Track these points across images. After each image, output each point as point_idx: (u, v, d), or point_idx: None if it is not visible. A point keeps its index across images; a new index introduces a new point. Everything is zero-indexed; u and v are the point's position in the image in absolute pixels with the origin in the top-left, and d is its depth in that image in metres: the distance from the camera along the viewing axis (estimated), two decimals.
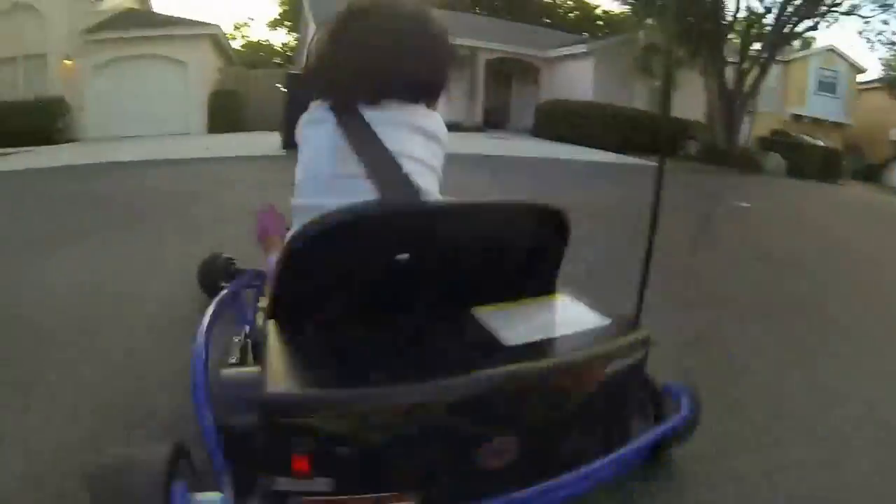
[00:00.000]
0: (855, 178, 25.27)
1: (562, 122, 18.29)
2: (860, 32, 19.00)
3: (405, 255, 1.26)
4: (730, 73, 17.34)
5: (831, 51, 30.92)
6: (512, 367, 1.13)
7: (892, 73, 29.78)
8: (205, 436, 1.18)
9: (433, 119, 1.50)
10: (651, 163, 13.79)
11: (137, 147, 12.50)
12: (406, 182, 1.28)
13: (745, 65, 17.29)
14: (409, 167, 1.32)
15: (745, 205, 8.54)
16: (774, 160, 17.30)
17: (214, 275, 2.84)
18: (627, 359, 1.26)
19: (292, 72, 12.20)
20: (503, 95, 25.13)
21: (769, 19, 17.60)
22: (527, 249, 1.41)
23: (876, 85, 31.34)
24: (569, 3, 47.15)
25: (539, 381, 1.16)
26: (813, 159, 18.62)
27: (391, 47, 1.41)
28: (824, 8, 17.47)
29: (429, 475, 1.12)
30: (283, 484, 1.04)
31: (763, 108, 29.54)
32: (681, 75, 18.65)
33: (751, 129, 17.48)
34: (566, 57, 22.31)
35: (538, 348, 1.22)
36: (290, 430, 1.02)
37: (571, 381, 1.21)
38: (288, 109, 12.94)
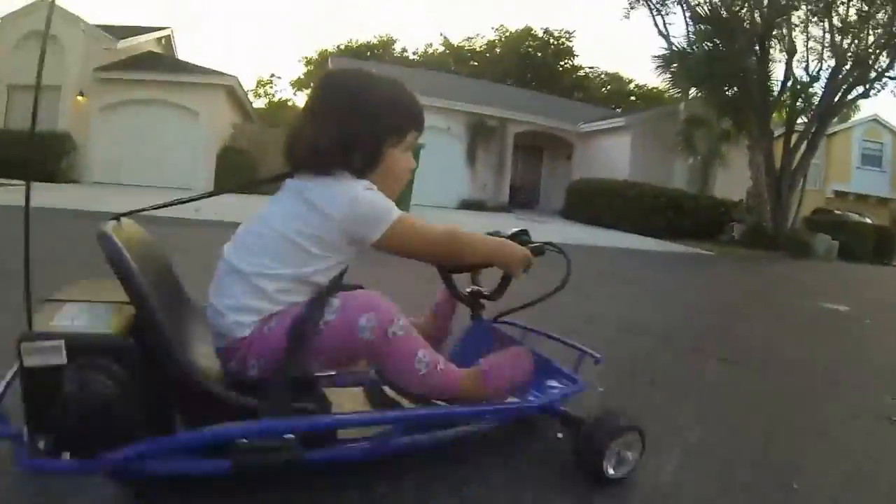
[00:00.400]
0: None
1: (596, 202, 17.02)
2: None
3: None
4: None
5: (875, 121, 30.12)
6: None
7: None
8: None
9: (324, 189, 1.51)
10: (699, 250, 12.82)
11: (126, 197, 11.62)
12: None
13: (793, 138, 16.18)
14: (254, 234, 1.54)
15: (840, 308, 6.45)
16: (825, 242, 16.16)
17: None
18: None
19: None
20: (533, 172, 24.32)
21: (816, 87, 16.62)
22: None
23: None
24: (602, 77, 47.10)
25: None
26: (865, 239, 17.63)
27: (301, 118, 1.61)
28: (874, 73, 16.53)
29: None
30: None
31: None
32: (725, 151, 17.80)
33: (799, 209, 16.27)
34: (601, 131, 21.33)
35: None
36: None
37: None
38: None
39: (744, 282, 8.45)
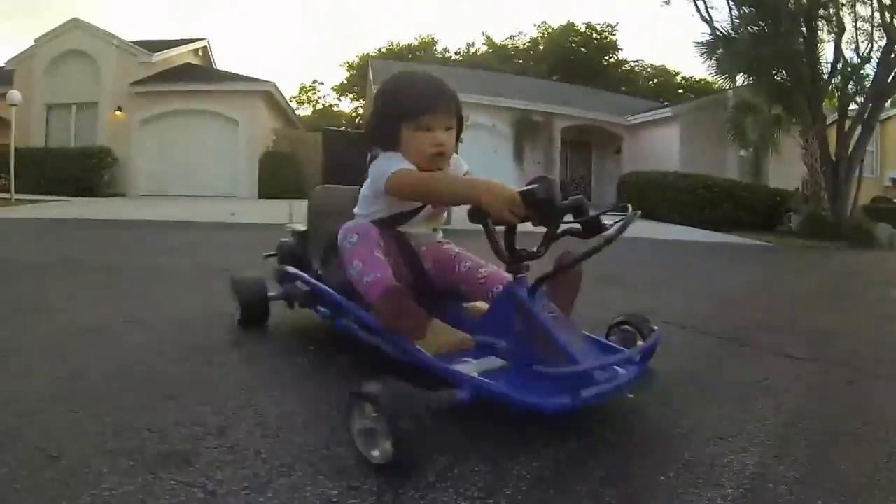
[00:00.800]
0: None
1: (648, 195, 16.20)
2: None
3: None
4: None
5: None
6: None
7: None
8: None
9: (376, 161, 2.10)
10: (761, 242, 12.35)
11: (165, 207, 12.23)
12: None
13: (846, 124, 15.51)
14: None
15: None
16: (887, 230, 15.64)
17: None
18: None
19: (328, 128, 12.12)
20: (582, 167, 23.87)
21: (868, 69, 15.99)
22: None
23: None
24: (648, 70, 46.50)
25: None
26: None
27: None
28: None
29: None
30: None
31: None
32: (777, 139, 17.32)
33: (857, 197, 15.71)
34: (649, 123, 20.90)
35: None
36: None
37: None
38: (325, 159, 16.43)
39: (811, 272, 8.05)
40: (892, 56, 15.19)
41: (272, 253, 2.96)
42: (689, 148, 18.69)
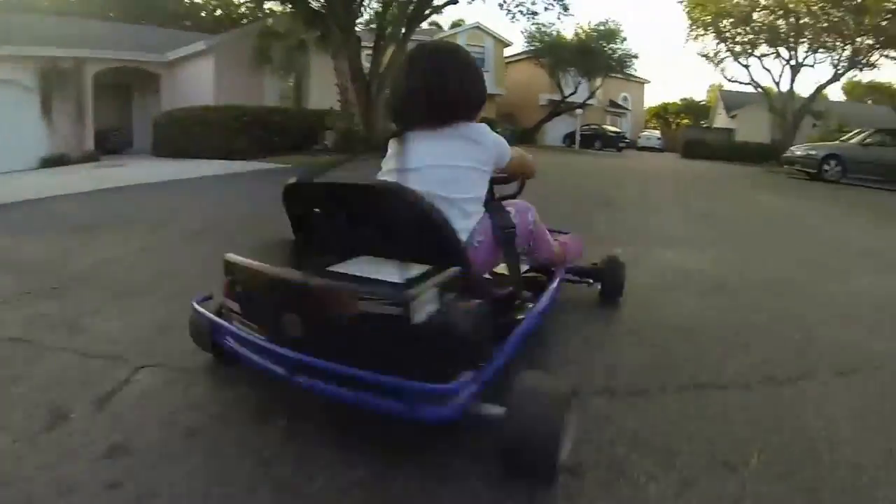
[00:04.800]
0: (513, 143, 25.71)
1: (181, 134, 14.57)
2: (501, 5, 18.28)
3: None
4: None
5: (478, 28, 31.92)
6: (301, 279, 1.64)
7: (535, 44, 30.97)
8: None
9: (478, 131, 1.96)
10: (281, 165, 11.24)
11: None
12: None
13: (382, 44, 15.31)
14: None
15: None
16: None
17: None
18: (383, 306, 1.48)
19: None
20: (122, 113, 20.56)
21: None
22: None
23: (522, 56, 32.61)
24: (212, 2, 42.93)
25: (305, 291, 1.62)
26: None
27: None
28: None
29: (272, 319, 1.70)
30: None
31: None
32: (312, 62, 16.55)
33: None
34: (186, 58, 18.53)
35: (343, 277, 1.62)
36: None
37: (325, 299, 1.59)
38: None
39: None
40: None
41: None
42: (226, 80, 16.85)
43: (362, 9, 15.14)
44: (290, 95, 17.65)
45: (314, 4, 14.77)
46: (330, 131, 14.23)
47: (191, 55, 18.24)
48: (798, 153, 16.38)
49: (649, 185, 10.71)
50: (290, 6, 14.81)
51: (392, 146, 2.00)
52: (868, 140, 15.55)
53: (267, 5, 15.13)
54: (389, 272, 1.57)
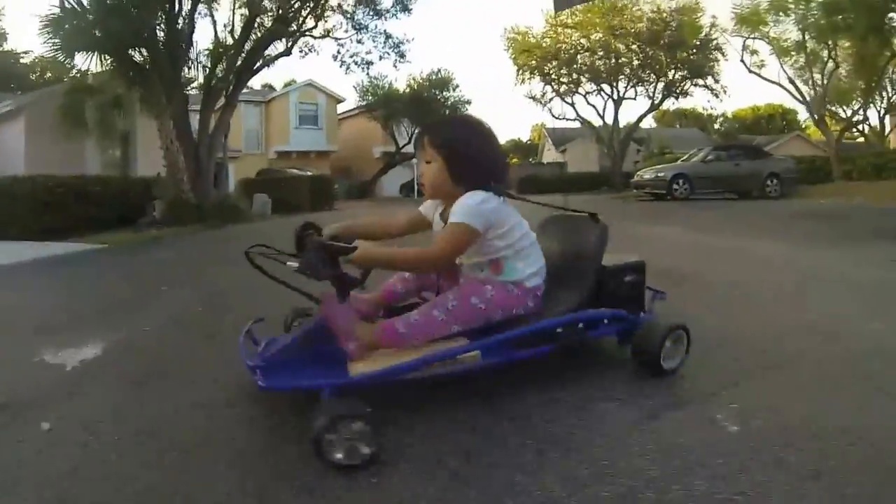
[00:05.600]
0: (350, 197, 25.69)
1: None
2: (335, 56, 18.09)
3: None
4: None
5: (310, 85, 31.92)
6: None
7: (367, 97, 31.20)
8: None
9: None
10: (89, 246, 9.65)
11: None
12: None
13: (210, 102, 14.50)
14: None
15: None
16: (260, 201, 15.26)
17: None
18: None
19: None
20: None
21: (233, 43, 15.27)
22: None
23: (355, 112, 32.91)
24: (39, 60, 39.82)
25: None
26: (300, 191, 17.85)
27: None
28: (295, 30, 16.22)
29: None
30: None
31: (247, 150, 28.49)
32: (138, 124, 15.41)
33: (224, 171, 14.84)
34: None
35: None
36: None
37: None
38: None
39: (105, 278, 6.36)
40: (258, 34, 15.19)
41: None
42: (40, 146, 14.87)
43: (189, 62, 14.19)
44: (114, 161, 16.30)
45: (136, 58, 13.44)
46: (158, 201, 13.04)
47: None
48: (647, 177, 17.44)
49: None
50: (108, 60, 13.26)
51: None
52: (708, 158, 17.14)
53: (80, 61, 13.15)
54: None
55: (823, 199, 14.35)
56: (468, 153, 2.15)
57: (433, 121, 2.51)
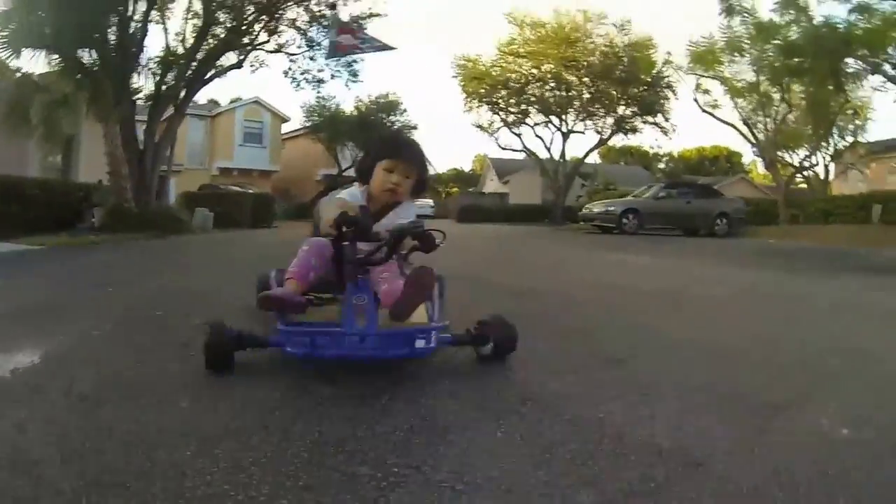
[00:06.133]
0: (289, 217, 25.23)
1: None
2: (286, 72, 17.77)
3: None
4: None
5: (257, 102, 31.68)
6: None
7: (314, 118, 30.91)
8: None
9: None
10: (27, 246, 9.33)
11: None
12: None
13: (159, 109, 14.21)
14: None
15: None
16: (201, 214, 14.86)
17: None
18: None
19: None
20: None
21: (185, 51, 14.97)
22: None
23: (300, 132, 32.68)
24: None
25: None
26: (243, 207, 17.58)
27: None
28: (247, 42, 16.01)
29: None
30: None
31: (190, 164, 27.89)
32: (84, 130, 14.80)
33: (166, 182, 14.39)
34: None
35: None
36: None
37: None
38: None
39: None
40: (210, 43, 15.01)
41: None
42: None
43: (139, 68, 13.82)
44: (56, 165, 15.66)
45: (85, 59, 13.03)
46: (98, 208, 12.50)
47: None
48: (596, 210, 17.65)
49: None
50: (56, 59, 12.79)
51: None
52: (660, 194, 17.42)
53: (26, 60, 12.61)
54: None
55: (772, 240, 14.76)
56: (427, 178, 2.72)
57: (408, 139, 3.13)
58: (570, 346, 2.90)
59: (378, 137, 3.58)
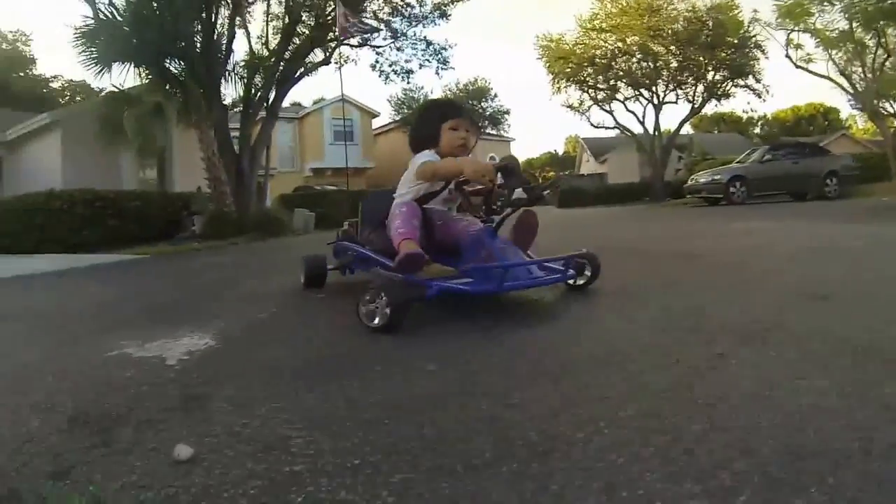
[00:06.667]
0: None
1: (10, 226, 11.13)
2: (373, 66, 17.87)
3: None
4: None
5: (343, 100, 31.22)
6: None
7: (403, 110, 30.65)
8: None
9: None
10: (132, 256, 9.11)
11: None
12: None
13: (251, 112, 13.98)
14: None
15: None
16: (302, 215, 14.71)
17: None
18: None
19: None
20: None
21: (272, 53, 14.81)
22: None
23: (391, 126, 33.21)
24: (69, 86, 40.18)
25: None
26: (342, 206, 17.00)
27: None
28: (333, 37, 15.54)
29: None
30: None
31: (282, 167, 28.05)
32: (176, 138, 14.92)
33: (266, 184, 14.32)
34: (30, 135, 16.27)
35: None
36: None
37: None
38: None
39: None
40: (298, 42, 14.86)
41: (333, 241, 3.79)
42: (77, 160, 14.53)
43: (227, 73, 13.68)
44: (152, 177, 15.77)
45: (173, 69, 13.03)
46: (198, 216, 12.43)
47: (35, 130, 16.04)
48: (702, 180, 16.67)
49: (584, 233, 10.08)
50: (145, 71, 12.85)
51: None
52: (766, 157, 16.27)
53: (116, 72, 12.59)
54: None
55: (886, 197, 13.34)
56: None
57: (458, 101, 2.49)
58: (773, 286, 3.10)
59: (430, 105, 4.28)
